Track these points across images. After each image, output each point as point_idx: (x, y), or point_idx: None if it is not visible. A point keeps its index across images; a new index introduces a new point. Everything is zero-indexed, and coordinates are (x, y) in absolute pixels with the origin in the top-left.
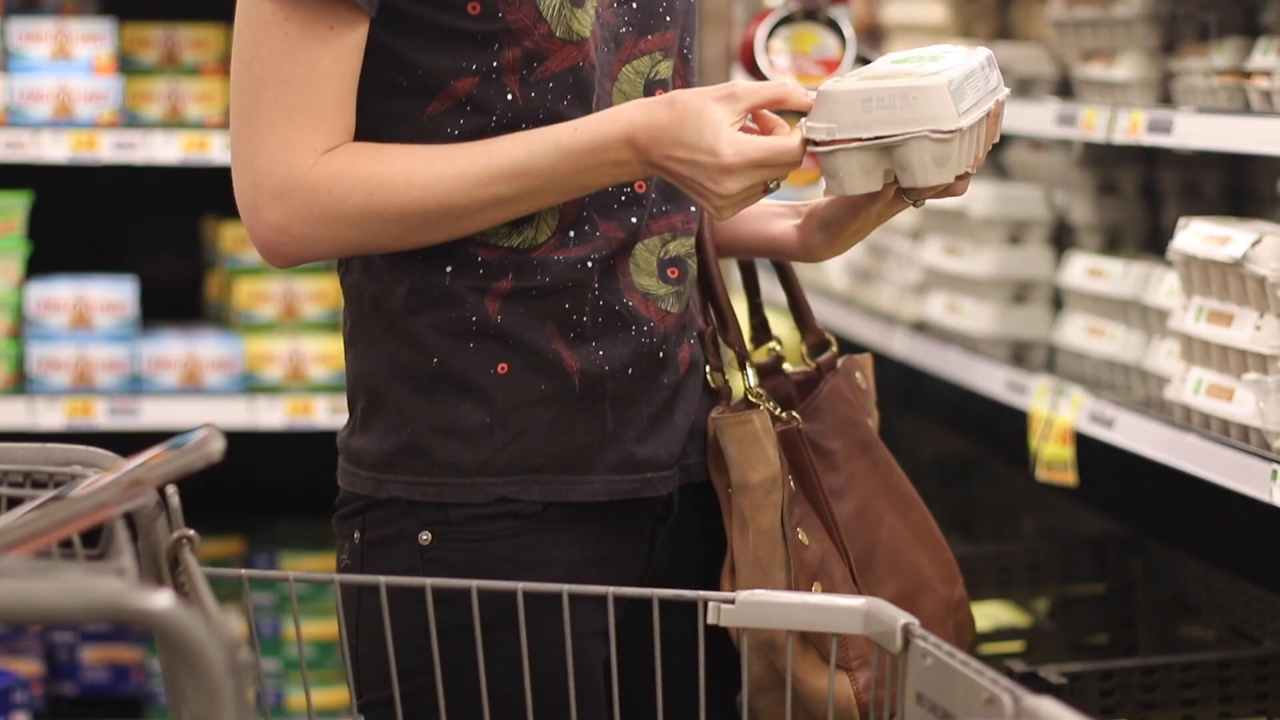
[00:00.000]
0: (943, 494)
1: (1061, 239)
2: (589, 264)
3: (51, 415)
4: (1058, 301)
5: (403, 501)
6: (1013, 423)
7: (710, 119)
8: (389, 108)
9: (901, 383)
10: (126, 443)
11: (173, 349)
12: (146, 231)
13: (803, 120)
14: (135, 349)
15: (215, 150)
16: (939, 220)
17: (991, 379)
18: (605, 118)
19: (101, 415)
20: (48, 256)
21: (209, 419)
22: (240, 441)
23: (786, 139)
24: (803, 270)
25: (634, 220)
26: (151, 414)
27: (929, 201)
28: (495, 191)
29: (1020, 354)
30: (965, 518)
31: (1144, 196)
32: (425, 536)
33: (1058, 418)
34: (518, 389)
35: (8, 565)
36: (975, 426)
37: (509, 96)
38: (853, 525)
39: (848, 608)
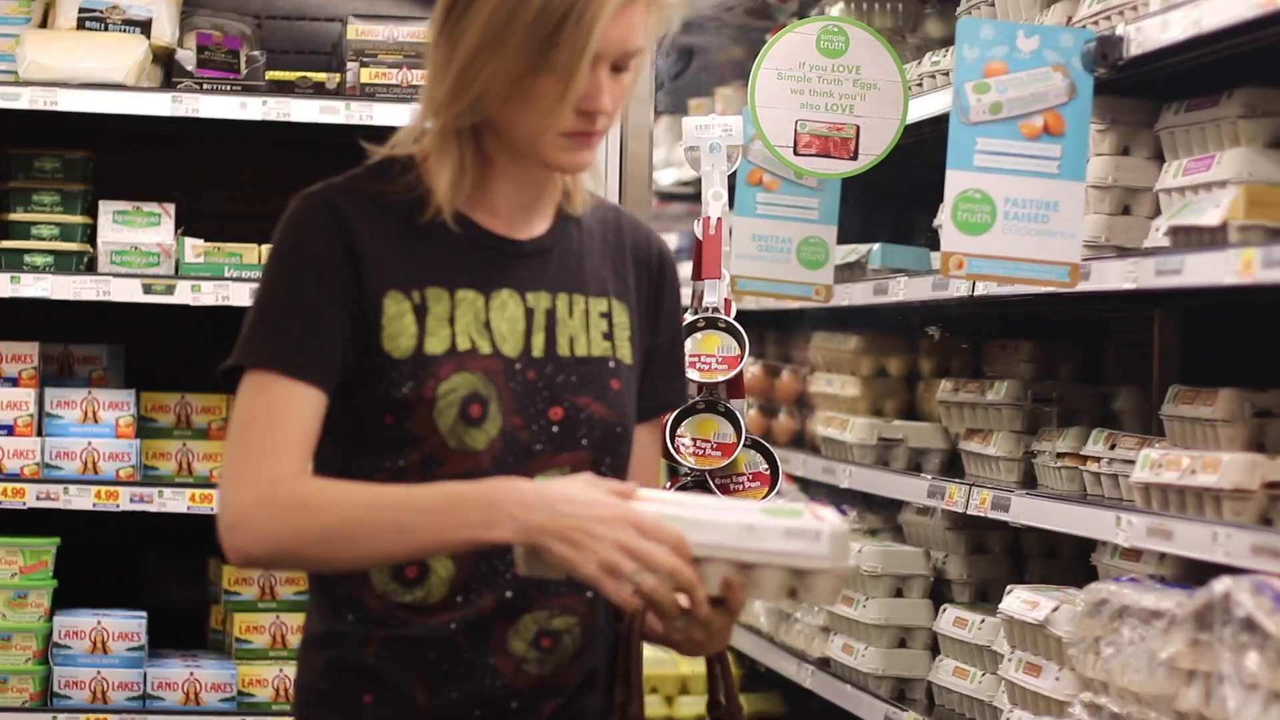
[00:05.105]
0: None
1: (940, 592)
2: (453, 626)
3: None
4: (937, 646)
5: None
6: None
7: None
8: None
9: (814, 715)
10: None
11: (176, 673)
12: (159, 569)
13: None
14: (144, 672)
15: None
16: None
17: (875, 712)
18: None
19: None
20: (73, 591)
21: None
22: None
23: None
24: None
25: (509, 595)
26: None
27: None
28: (388, 516)
29: (904, 690)
30: None
31: (1011, 555)
32: None
33: None
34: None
35: None
36: None
37: None
38: None
39: None
